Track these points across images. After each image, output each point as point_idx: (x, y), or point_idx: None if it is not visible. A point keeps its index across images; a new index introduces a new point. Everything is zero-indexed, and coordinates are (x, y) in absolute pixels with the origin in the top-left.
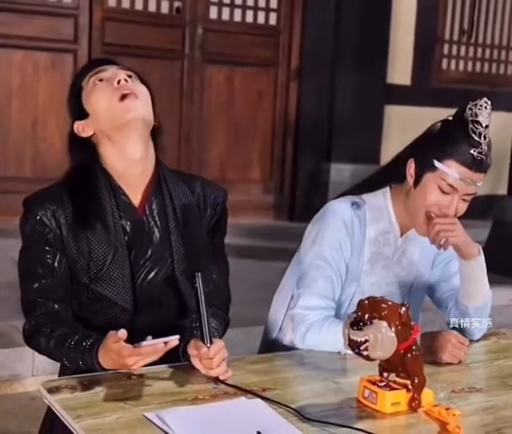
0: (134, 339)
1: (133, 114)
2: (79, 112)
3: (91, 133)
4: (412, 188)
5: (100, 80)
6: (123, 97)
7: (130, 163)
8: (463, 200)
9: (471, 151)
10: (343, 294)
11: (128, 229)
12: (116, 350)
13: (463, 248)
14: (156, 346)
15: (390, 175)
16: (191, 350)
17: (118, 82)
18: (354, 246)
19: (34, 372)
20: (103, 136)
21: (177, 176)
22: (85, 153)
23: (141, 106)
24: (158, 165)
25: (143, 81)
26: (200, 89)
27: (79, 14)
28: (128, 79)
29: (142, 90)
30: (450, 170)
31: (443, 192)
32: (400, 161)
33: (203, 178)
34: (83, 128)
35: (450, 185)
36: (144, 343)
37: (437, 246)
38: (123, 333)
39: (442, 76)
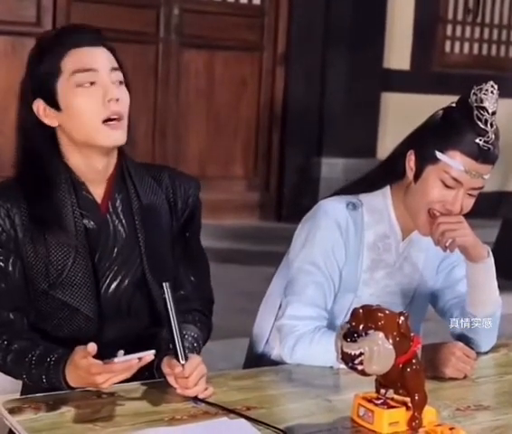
0: (102, 352)
1: (113, 142)
2: (47, 95)
3: (56, 124)
4: (413, 183)
5: (92, 83)
6: (108, 119)
7: (92, 167)
8: (469, 195)
9: (477, 140)
10: (338, 304)
11: (90, 229)
12: (84, 367)
13: (471, 249)
14: (129, 363)
15: (389, 172)
16: (165, 368)
17: (109, 99)
18: (349, 251)
19: None
20: (68, 138)
21: (142, 168)
22: (41, 140)
23: (123, 132)
24: (121, 157)
25: (121, 68)
26: (176, 75)
27: None
28: (115, 87)
29: (126, 103)
30: (454, 162)
31: (447, 186)
32: (399, 154)
33: (171, 169)
34: (47, 115)
35: (455, 179)
36: (116, 359)
37: (442, 248)
38: (92, 347)
39: (445, 60)
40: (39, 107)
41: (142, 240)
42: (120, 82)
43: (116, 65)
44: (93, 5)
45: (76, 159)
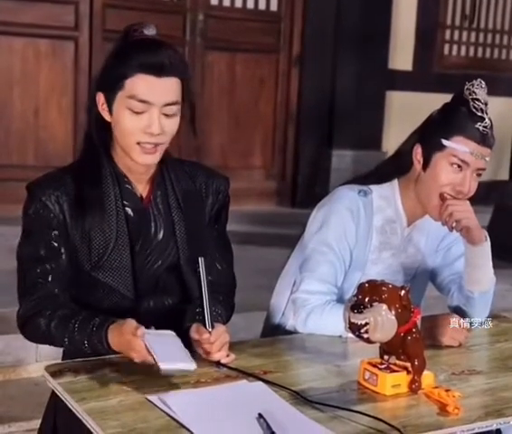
0: (137, 322)
1: (142, 162)
2: (108, 96)
3: (109, 120)
4: (422, 172)
5: (141, 112)
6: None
7: (134, 168)
8: (476, 175)
9: (476, 126)
10: (347, 281)
11: (131, 218)
12: (129, 340)
13: (473, 230)
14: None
15: (396, 167)
16: (192, 334)
17: (150, 133)
18: (359, 233)
19: (38, 357)
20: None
21: (179, 165)
22: (97, 130)
23: (155, 156)
24: (164, 156)
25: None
26: (201, 75)
27: (79, 1)
28: (164, 118)
29: (169, 134)
30: (460, 145)
31: (455, 168)
32: (404, 151)
33: (205, 167)
34: (104, 110)
35: (462, 160)
36: (150, 330)
37: (449, 228)
38: (141, 331)
39: (444, 61)
40: (100, 99)
41: (178, 230)
42: (171, 115)
43: (174, 99)
44: (126, 12)
45: (122, 155)
